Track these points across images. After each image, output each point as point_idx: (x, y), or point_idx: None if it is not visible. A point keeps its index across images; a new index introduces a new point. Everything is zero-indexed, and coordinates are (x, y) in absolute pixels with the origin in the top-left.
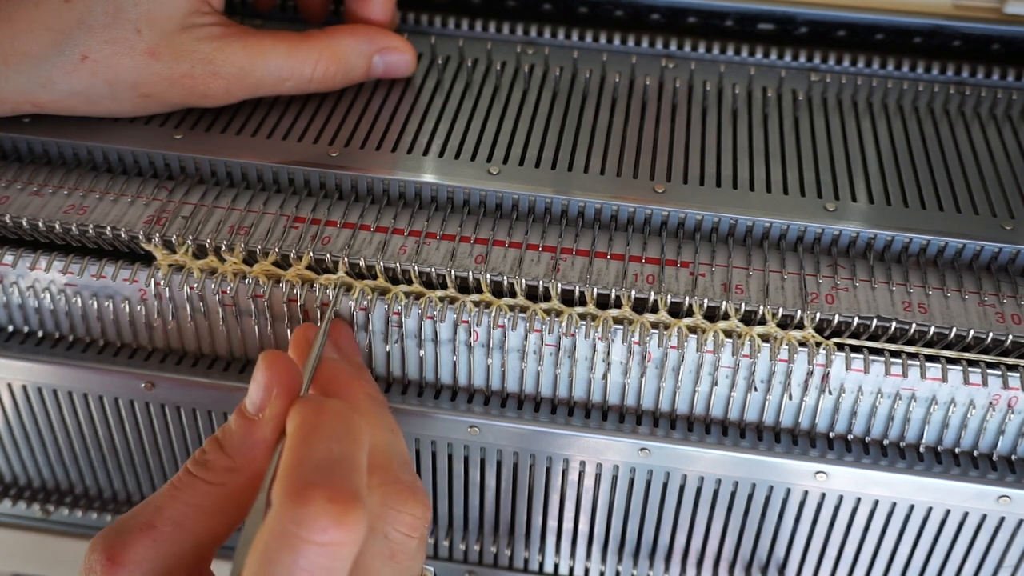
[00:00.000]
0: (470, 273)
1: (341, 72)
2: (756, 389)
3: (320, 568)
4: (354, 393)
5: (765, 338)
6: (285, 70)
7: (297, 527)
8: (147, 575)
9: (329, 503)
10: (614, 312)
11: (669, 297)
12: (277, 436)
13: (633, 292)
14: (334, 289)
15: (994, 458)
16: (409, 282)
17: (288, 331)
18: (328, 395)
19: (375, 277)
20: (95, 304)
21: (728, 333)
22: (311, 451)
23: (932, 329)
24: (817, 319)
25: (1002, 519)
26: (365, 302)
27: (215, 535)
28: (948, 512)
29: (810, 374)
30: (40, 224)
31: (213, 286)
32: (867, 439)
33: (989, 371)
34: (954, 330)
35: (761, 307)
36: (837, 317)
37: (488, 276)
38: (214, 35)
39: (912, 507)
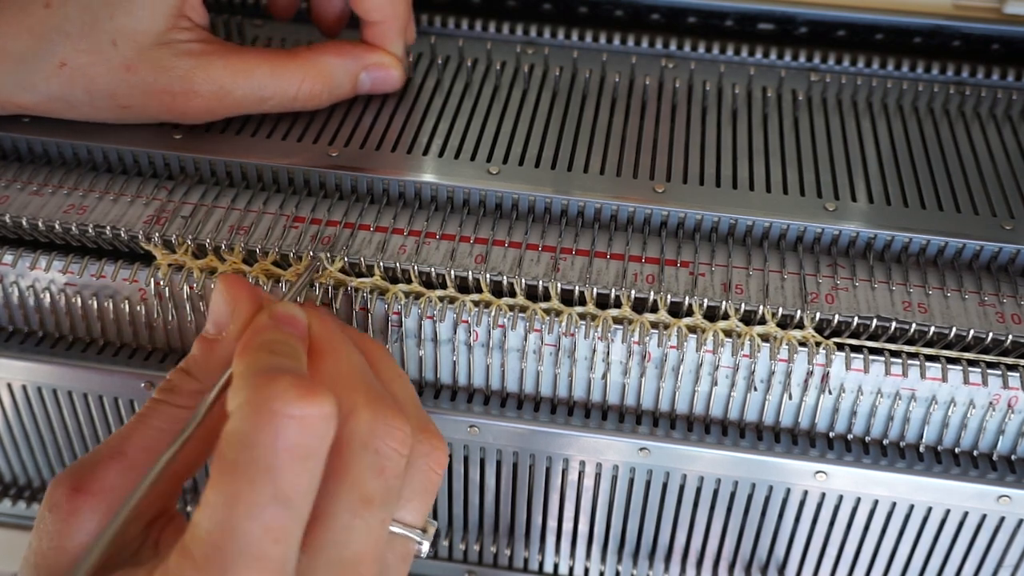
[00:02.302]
0: (470, 273)
1: (327, 91)
2: (756, 389)
3: (299, 445)
4: (320, 317)
5: (765, 338)
6: (268, 89)
7: (272, 403)
8: (118, 504)
9: (296, 379)
10: (614, 312)
11: (669, 297)
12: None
13: (633, 292)
14: (331, 288)
15: (994, 458)
16: (409, 282)
17: None
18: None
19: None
20: (95, 304)
21: (728, 333)
22: (266, 352)
23: (932, 329)
24: (817, 319)
25: (1002, 519)
26: (364, 302)
27: (187, 460)
28: (948, 512)
29: (810, 374)
30: (40, 224)
31: (213, 286)
32: (867, 439)
33: (989, 371)
34: (954, 330)
35: (761, 307)
36: (837, 317)
37: (488, 276)
38: (194, 52)
39: (912, 507)
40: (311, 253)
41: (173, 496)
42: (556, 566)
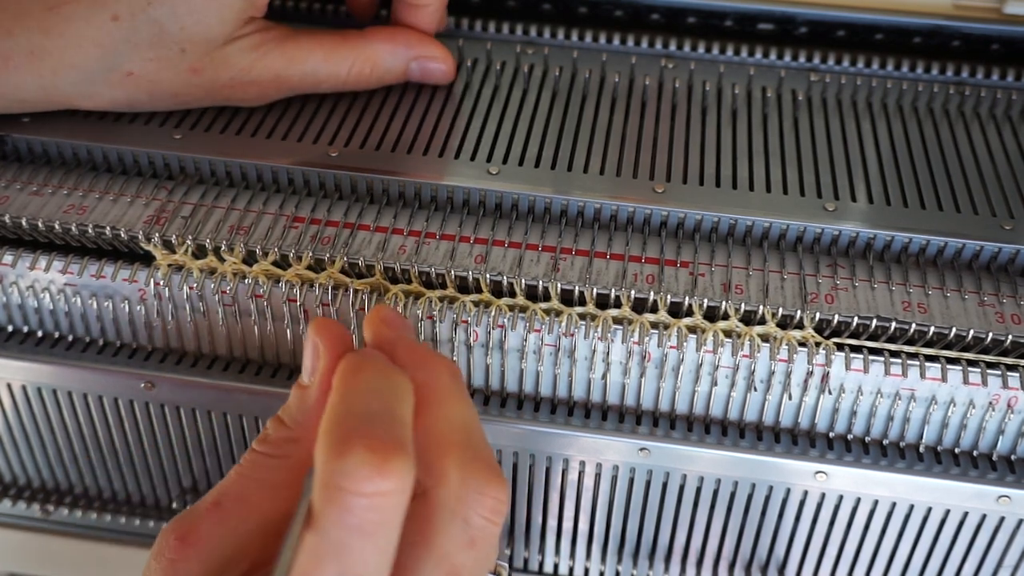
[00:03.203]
0: (470, 273)
1: (376, 76)
2: (756, 389)
3: (368, 522)
4: (434, 366)
5: (765, 338)
6: (321, 73)
7: (339, 479)
8: (216, 551)
9: (369, 452)
10: (614, 312)
11: (669, 297)
12: (327, 397)
13: (633, 292)
14: (328, 288)
15: (994, 458)
16: (408, 282)
17: (288, 331)
18: (406, 370)
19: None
20: (95, 304)
21: (728, 333)
22: (349, 405)
23: (932, 329)
24: (817, 319)
25: (1002, 519)
26: (363, 302)
27: (282, 512)
28: (948, 512)
29: (810, 374)
30: (40, 224)
31: (213, 286)
32: (867, 439)
33: (989, 371)
34: (954, 330)
35: (761, 307)
36: (837, 317)
37: (488, 276)
38: (255, 44)
39: (912, 507)
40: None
41: (271, 548)
42: (556, 566)
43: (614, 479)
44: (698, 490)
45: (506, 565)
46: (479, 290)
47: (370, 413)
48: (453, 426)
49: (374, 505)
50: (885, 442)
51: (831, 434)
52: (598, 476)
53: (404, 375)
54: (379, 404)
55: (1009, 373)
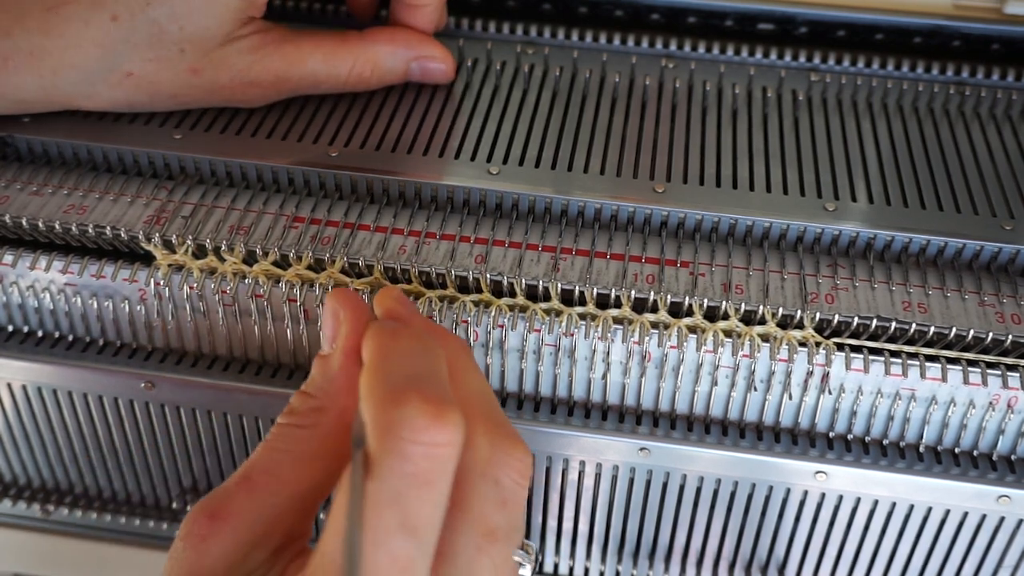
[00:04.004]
0: (470, 273)
1: (376, 77)
2: (756, 389)
3: (425, 471)
4: (447, 341)
5: (765, 338)
6: (321, 74)
7: (398, 428)
8: (246, 530)
9: (425, 403)
10: (614, 312)
11: (669, 297)
12: (352, 361)
13: (633, 292)
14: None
15: (994, 458)
16: (408, 282)
17: (288, 331)
18: None
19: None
20: (95, 304)
21: (728, 333)
22: (392, 367)
23: (932, 329)
24: (817, 319)
25: (1002, 519)
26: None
27: (313, 483)
28: (948, 512)
29: (810, 374)
30: (40, 224)
31: (213, 286)
32: (867, 439)
33: (989, 371)
34: (954, 330)
35: (761, 307)
36: (837, 317)
37: (488, 276)
38: (254, 45)
39: (912, 507)
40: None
41: (304, 522)
42: (556, 566)
43: (614, 479)
44: (698, 490)
45: (532, 544)
46: (479, 290)
47: (416, 372)
48: (474, 395)
49: (431, 454)
50: (885, 442)
51: (831, 434)
52: (598, 476)
53: (437, 342)
54: (424, 365)
55: (1009, 373)
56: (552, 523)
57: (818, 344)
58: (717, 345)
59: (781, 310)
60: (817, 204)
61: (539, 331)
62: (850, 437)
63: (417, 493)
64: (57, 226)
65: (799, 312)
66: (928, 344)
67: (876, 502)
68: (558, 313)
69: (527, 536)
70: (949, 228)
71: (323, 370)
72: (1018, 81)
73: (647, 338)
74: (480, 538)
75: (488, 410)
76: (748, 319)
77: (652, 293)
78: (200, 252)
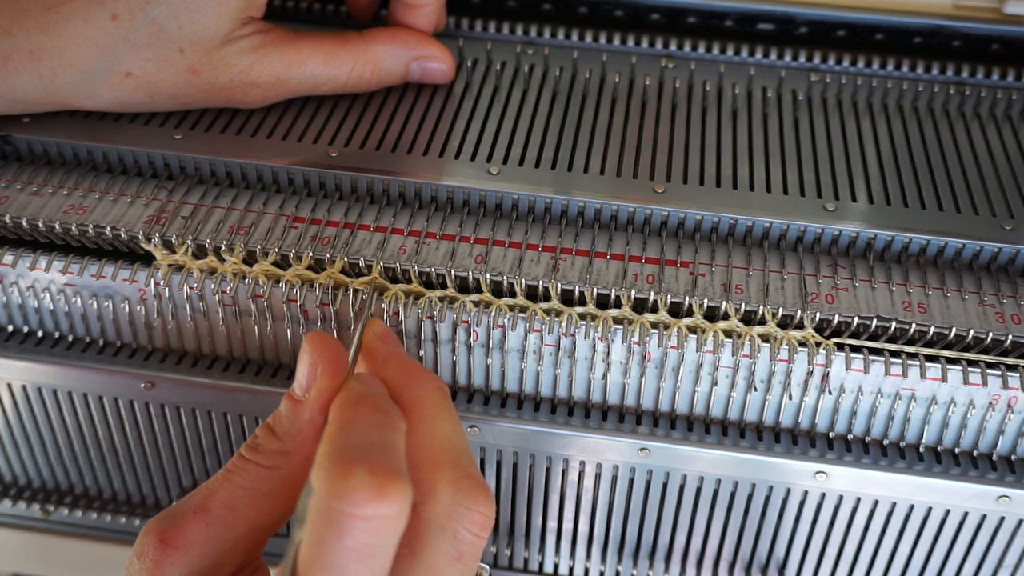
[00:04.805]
0: (470, 273)
1: (376, 78)
2: (756, 389)
3: (365, 545)
4: (423, 384)
5: (765, 338)
6: (321, 76)
7: (339, 502)
8: (201, 558)
9: (369, 475)
10: (614, 312)
11: (669, 297)
12: (324, 416)
13: (633, 292)
14: (328, 289)
15: (994, 458)
16: (408, 282)
17: (288, 331)
18: (397, 387)
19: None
20: (95, 304)
21: (728, 333)
22: (348, 435)
23: (932, 329)
24: (817, 319)
25: (1002, 519)
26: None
27: (270, 520)
28: (948, 512)
29: (810, 374)
30: (40, 224)
31: (213, 286)
32: (867, 439)
33: (989, 371)
34: (954, 330)
35: (761, 307)
36: (837, 317)
37: (488, 276)
38: (254, 46)
39: (912, 507)
40: (369, 310)
41: (257, 550)
42: (556, 566)
43: (614, 479)
44: (698, 490)
45: (486, 567)
46: (479, 290)
47: (370, 443)
48: (443, 443)
49: (372, 528)
50: (885, 442)
51: (831, 434)
52: (598, 476)
53: (397, 409)
54: (377, 435)
55: (1009, 373)
56: (552, 523)
57: (818, 344)
58: (717, 345)
59: (781, 310)
60: (817, 204)
61: (539, 331)
62: (850, 437)
63: (355, 567)
64: (57, 226)
65: (799, 312)
66: (928, 344)
67: (876, 502)
68: (558, 313)
69: (528, 536)
70: (949, 228)
71: (293, 415)
72: (1018, 81)
73: (647, 338)
74: None
75: (455, 459)
76: (748, 319)
77: (652, 293)
78: (200, 252)
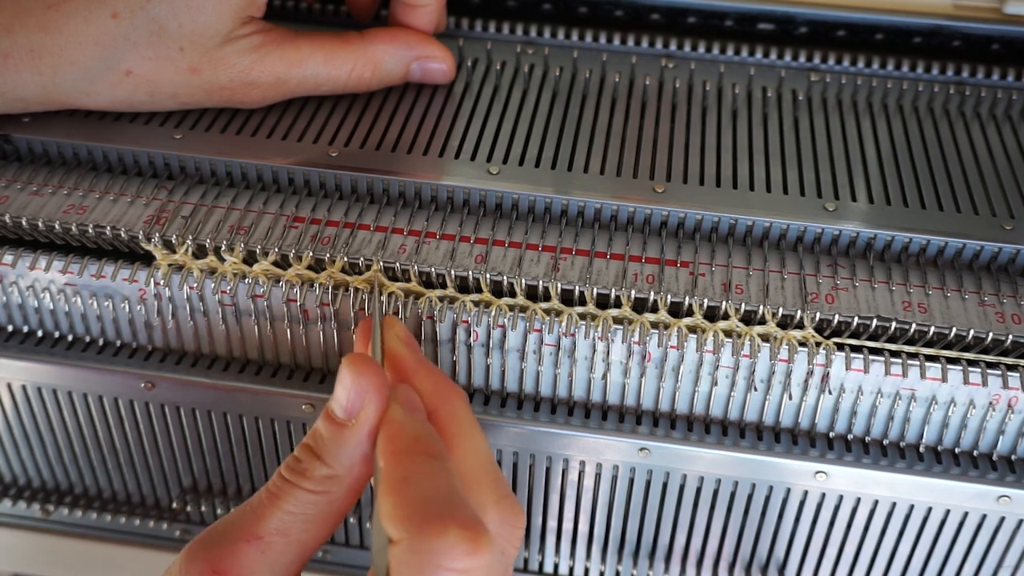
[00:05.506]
0: (470, 273)
1: (376, 78)
2: (756, 389)
3: None
4: (455, 400)
5: (765, 338)
6: (321, 76)
7: (438, 558)
8: None
9: (462, 530)
10: (614, 312)
11: (669, 297)
12: (372, 442)
13: (633, 292)
14: (328, 288)
15: (994, 458)
16: (408, 281)
17: (288, 331)
18: (431, 405)
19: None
20: (95, 304)
21: (728, 333)
22: (415, 490)
23: (932, 329)
24: (817, 319)
25: (1002, 519)
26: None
27: (317, 543)
28: (948, 512)
29: (810, 374)
30: (40, 224)
31: (213, 286)
32: (867, 439)
33: (989, 371)
34: (954, 330)
35: (761, 307)
36: (837, 317)
37: (488, 276)
38: (254, 46)
39: (912, 507)
40: (376, 266)
41: (301, 570)
42: (556, 566)
43: (614, 479)
44: (698, 490)
45: None
46: (479, 290)
47: (442, 496)
48: (482, 464)
49: None
50: (885, 442)
51: (831, 434)
52: (598, 476)
53: (442, 444)
54: (444, 484)
55: (1009, 373)
56: (552, 523)
57: (818, 344)
58: (717, 345)
59: (781, 310)
60: (817, 204)
61: (539, 331)
62: (850, 437)
63: None
64: (57, 226)
65: (799, 312)
66: (928, 344)
67: (876, 502)
68: (558, 313)
69: (528, 536)
70: (949, 228)
71: (338, 439)
72: (1018, 81)
73: (647, 338)
74: None
75: (495, 478)
76: (748, 319)
77: (652, 293)
78: (200, 252)
